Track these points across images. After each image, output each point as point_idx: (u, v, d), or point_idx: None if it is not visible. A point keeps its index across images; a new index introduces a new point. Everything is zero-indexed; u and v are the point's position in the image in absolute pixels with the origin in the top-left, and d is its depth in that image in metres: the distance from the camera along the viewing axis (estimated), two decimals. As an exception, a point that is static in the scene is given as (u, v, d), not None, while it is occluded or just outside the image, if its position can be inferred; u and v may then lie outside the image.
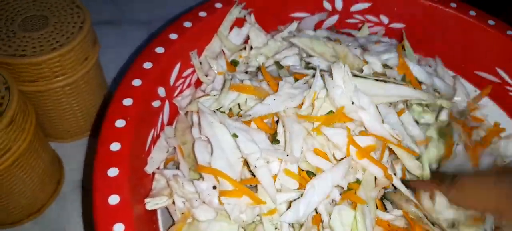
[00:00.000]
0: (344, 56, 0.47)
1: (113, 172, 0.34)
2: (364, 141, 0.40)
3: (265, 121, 0.41)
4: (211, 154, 0.39)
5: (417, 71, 0.47)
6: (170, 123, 0.46)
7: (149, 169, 0.41)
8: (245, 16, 0.52)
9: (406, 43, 0.53)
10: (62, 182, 0.53)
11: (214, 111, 0.42)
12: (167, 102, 0.45)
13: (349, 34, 0.56)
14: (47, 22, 0.48)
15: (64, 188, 0.53)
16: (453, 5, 0.54)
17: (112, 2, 0.78)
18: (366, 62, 0.47)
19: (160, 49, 0.44)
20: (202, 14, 0.49)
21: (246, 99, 0.43)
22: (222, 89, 0.45)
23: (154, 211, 0.40)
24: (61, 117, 0.53)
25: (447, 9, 0.53)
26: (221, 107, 0.43)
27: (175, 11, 0.72)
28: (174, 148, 0.43)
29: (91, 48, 0.50)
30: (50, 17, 0.49)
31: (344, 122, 0.40)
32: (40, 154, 0.47)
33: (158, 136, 0.44)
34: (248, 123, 0.41)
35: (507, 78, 0.52)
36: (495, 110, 0.53)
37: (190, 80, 0.49)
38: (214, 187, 0.38)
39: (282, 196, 0.37)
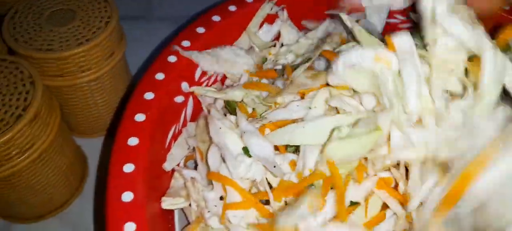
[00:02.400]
0: None
1: (129, 167, 0.33)
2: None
3: None
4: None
5: None
6: (193, 119, 0.44)
7: (167, 166, 0.39)
8: (277, 12, 0.50)
9: None
10: (86, 178, 0.53)
11: (226, 113, 0.40)
12: (191, 98, 0.44)
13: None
14: (74, 17, 0.48)
15: (88, 184, 0.52)
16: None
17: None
18: None
19: (186, 43, 0.43)
20: (232, 8, 0.47)
21: (261, 96, 0.41)
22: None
23: (171, 211, 0.39)
24: (86, 112, 0.52)
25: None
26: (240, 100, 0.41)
27: (207, 5, 0.71)
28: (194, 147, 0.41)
29: (117, 44, 0.49)
30: (77, 12, 0.48)
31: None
32: (64, 149, 0.46)
33: (179, 132, 0.42)
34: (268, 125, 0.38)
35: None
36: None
37: (216, 76, 0.47)
38: (221, 198, 0.35)
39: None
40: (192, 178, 0.38)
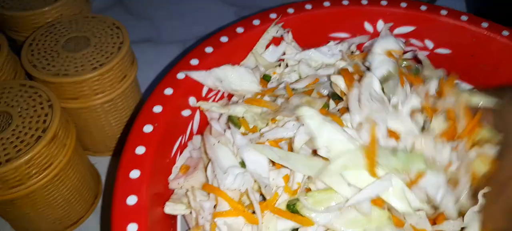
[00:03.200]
0: None
1: (135, 174, 0.36)
2: None
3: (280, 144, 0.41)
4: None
5: None
6: (200, 131, 0.47)
7: (172, 177, 0.42)
8: (282, 35, 0.52)
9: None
10: (100, 195, 0.55)
11: (225, 128, 0.42)
12: (198, 112, 0.46)
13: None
14: (88, 43, 0.50)
15: (102, 201, 0.55)
16: (505, 33, 0.49)
17: (150, 23, 0.81)
18: None
19: (194, 62, 0.45)
20: (240, 30, 0.50)
21: (261, 113, 0.43)
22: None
23: (174, 216, 0.41)
24: (100, 132, 0.55)
25: (500, 38, 0.49)
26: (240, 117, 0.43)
27: (214, 29, 0.74)
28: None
29: (129, 67, 0.52)
30: (91, 38, 0.51)
31: None
32: (79, 168, 0.49)
33: (185, 145, 0.45)
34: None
35: None
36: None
37: (223, 92, 0.49)
38: (215, 207, 0.38)
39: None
40: (192, 187, 0.40)
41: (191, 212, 0.40)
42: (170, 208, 0.40)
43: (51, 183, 0.45)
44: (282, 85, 0.47)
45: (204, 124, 0.47)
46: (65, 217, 0.50)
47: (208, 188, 0.39)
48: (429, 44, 0.54)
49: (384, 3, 0.53)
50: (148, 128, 0.39)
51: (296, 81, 0.47)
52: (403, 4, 0.53)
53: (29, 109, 0.44)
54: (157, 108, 0.40)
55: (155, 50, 0.75)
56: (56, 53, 0.49)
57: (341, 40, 0.54)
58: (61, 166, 0.45)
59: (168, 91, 0.42)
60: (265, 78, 0.49)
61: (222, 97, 0.49)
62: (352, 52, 0.53)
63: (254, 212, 0.37)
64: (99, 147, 0.58)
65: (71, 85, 0.47)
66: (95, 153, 0.58)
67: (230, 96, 0.49)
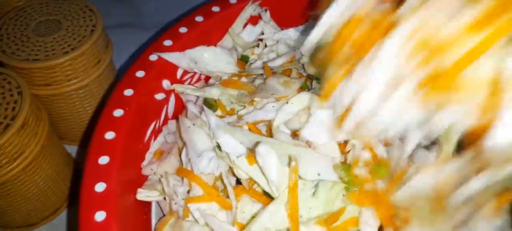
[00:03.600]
0: None
1: (104, 160, 0.34)
2: None
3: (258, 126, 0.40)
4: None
5: None
6: (176, 116, 0.45)
7: (145, 163, 0.40)
8: (259, 13, 0.51)
9: None
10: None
11: (200, 111, 0.41)
12: (173, 96, 0.45)
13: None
14: (60, 26, 0.48)
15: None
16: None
17: (130, 5, 0.79)
18: None
19: (168, 42, 0.44)
20: (215, 9, 0.48)
21: (238, 95, 0.42)
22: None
23: (148, 203, 0.40)
24: (76, 119, 0.53)
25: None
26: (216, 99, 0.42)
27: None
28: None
29: (103, 51, 0.50)
30: (63, 21, 0.49)
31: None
32: (54, 157, 0.47)
33: (160, 129, 0.43)
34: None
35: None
36: None
37: (200, 74, 0.48)
38: (188, 192, 0.36)
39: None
40: (165, 172, 0.39)
41: (165, 198, 0.39)
42: (142, 194, 0.38)
43: (24, 173, 0.43)
44: (259, 64, 0.46)
45: (180, 107, 0.45)
46: (40, 208, 0.48)
47: (181, 172, 0.37)
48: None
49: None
50: (118, 112, 0.37)
51: (273, 59, 0.46)
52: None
53: (-3, 96, 0.42)
54: (128, 92, 0.39)
55: (135, 34, 0.73)
56: (26, 37, 0.47)
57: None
58: (33, 155, 0.43)
59: (140, 74, 0.40)
60: (243, 59, 0.48)
61: (198, 79, 0.48)
62: None
63: (229, 197, 0.36)
64: (76, 136, 0.56)
65: (42, 70, 0.46)
66: (72, 142, 0.57)
67: (207, 78, 0.48)
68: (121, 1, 0.79)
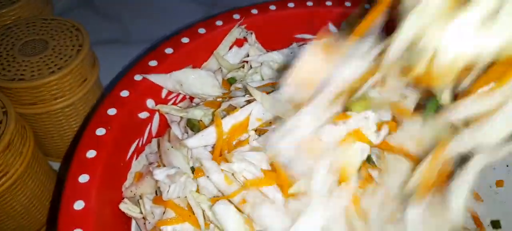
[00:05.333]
0: None
1: (84, 178, 0.35)
2: None
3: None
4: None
5: None
6: (160, 134, 0.46)
7: (127, 183, 0.41)
8: (245, 37, 0.52)
9: None
10: (63, 202, 0.54)
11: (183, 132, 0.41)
12: (157, 115, 0.45)
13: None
14: (46, 46, 0.49)
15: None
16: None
17: (118, 21, 0.79)
18: None
19: (153, 63, 0.44)
20: (201, 30, 0.49)
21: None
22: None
23: (128, 221, 0.40)
24: (61, 137, 0.53)
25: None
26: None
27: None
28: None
29: (90, 70, 0.51)
30: (49, 41, 0.49)
31: None
32: (39, 176, 0.47)
33: (142, 148, 0.44)
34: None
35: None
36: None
37: (185, 95, 0.48)
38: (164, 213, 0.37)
39: None
40: (141, 194, 0.39)
41: (144, 218, 0.39)
42: (126, 206, 0.39)
43: (8, 192, 0.43)
44: (240, 85, 0.47)
45: (165, 125, 0.46)
46: (25, 226, 0.49)
47: (156, 200, 0.38)
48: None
49: (348, 4, 0.53)
50: (100, 131, 0.38)
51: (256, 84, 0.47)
52: (367, 6, 0.53)
53: (-18, 116, 0.42)
54: (111, 111, 0.39)
55: (122, 51, 0.73)
56: (12, 57, 0.48)
57: (305, 41, 0.54)
58: (18, 174, 0.43)
59: (124, 93, 0.41)
60: (230, 81, 0.49)
61: (183, 98, 0.48)
62: None
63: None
64: (61, 152, 0.56)
65: (28, 90, 0.46)
66: (57, 158, 0.57)
67: (192, 98, 0.48)
68: (109, 17, 0.80)
